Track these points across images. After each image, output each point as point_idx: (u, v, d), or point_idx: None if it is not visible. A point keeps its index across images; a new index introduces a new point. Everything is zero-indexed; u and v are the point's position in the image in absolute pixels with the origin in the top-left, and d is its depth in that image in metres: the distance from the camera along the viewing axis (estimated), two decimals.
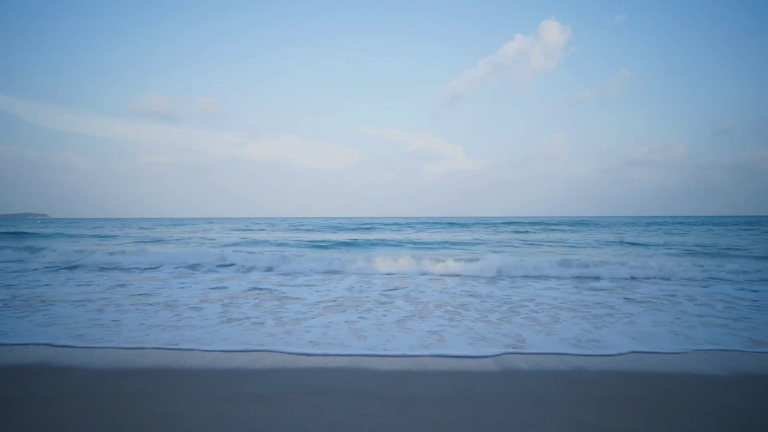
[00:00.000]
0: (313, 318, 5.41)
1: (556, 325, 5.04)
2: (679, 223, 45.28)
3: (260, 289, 7.67)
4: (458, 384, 3.22)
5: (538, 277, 9.22)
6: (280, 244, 19.10)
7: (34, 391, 3.02)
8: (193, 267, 10.52)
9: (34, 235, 25.87)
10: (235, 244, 18.46)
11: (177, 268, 10.43)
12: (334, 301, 6.59)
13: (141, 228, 37.21)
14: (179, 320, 5.22)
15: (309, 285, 8.14)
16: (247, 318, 5.37)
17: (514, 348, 4.13)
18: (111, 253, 11.96)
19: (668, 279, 9.02)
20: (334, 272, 9.98)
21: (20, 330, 4.71)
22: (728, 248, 15.93)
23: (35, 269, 10.23)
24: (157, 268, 10.46)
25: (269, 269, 10.29)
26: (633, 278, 9.10)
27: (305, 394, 2.99)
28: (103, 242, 20.61)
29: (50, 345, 4.14)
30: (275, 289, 7.59)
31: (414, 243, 19.74)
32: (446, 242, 20.05)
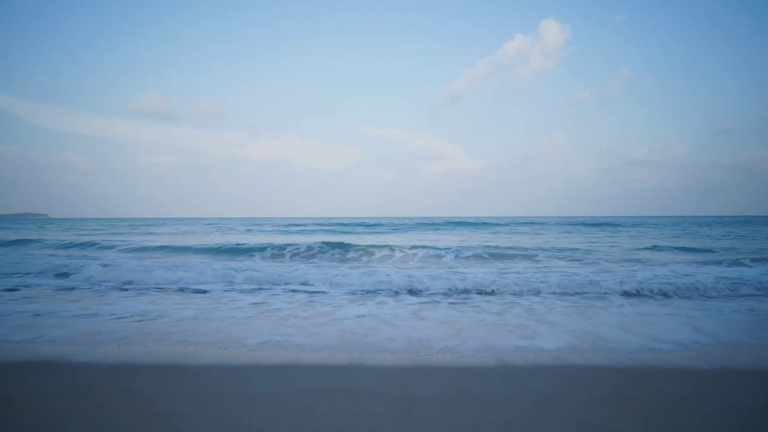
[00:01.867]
0: None
1: None
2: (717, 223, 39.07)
3: None
4: (459, 382, 3.22)
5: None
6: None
7: (34, 389, 3.02)
8: None
9: None
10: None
11: None
12: None
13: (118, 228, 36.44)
14: None
15: None
16: None
17: None
18: None
19: None
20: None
21: None
22: None
23: None
24: None
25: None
26: None
27: (308, 393, 3.00)
28: None
29: (52, 342, 4.14)
30: None
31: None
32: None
